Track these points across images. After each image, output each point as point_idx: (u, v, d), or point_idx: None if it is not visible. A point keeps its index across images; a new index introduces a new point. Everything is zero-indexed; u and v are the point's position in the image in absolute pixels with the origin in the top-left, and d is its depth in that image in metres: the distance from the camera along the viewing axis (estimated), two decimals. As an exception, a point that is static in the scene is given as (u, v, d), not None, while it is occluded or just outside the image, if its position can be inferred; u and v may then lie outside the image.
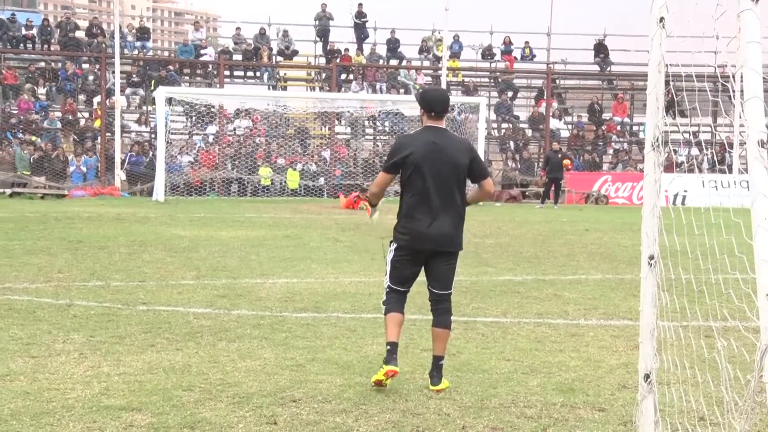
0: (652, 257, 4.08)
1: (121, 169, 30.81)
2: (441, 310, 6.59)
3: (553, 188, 29.19)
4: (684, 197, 27.96)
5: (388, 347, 6.40)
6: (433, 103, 6.59)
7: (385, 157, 6.79)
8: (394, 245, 6.59)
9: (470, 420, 5.65)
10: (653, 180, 4.10)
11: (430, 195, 6.41)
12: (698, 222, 4.37)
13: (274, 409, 5.79)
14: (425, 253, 6.49)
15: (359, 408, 5.86)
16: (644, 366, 4.11)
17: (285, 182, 31.64)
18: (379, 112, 34.58)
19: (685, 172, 30.44)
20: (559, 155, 29.41)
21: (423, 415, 5.73)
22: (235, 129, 34.42)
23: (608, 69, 39.49)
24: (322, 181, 32.07)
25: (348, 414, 5.73)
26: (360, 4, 38.39)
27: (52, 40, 35.66)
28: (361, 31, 38.33)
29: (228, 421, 5.52)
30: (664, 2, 3.98)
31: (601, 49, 38.91)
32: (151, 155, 31.00)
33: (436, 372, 6.44)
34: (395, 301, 6.61)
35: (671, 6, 4.08)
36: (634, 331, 8.57)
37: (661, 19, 4.00)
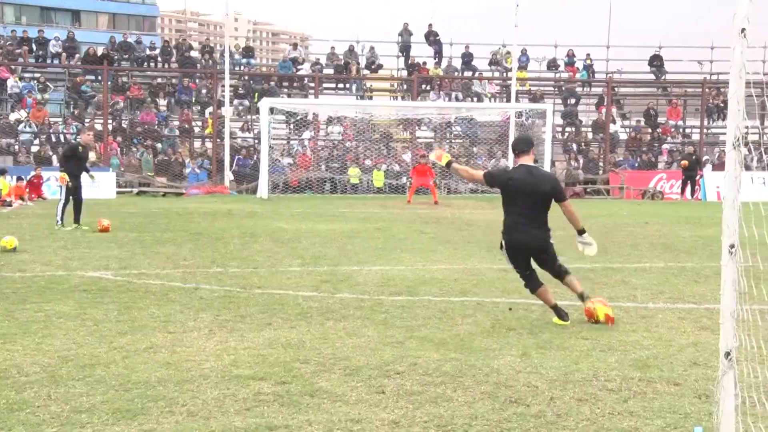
0: (732, 246, 3.98)
1: (230, 170, 31.36)
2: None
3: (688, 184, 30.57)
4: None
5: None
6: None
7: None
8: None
9: (557, 392, 5.59)
10: (734, 176, 4.00)
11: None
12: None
13: (381, 381, 5.82)
14: None
15: (456, 380, 5.85)
16: (725, 345, 4.01)
17: (371, 181, 31.79)
18: (455, 118, 34.48)
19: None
20: (694, 157, 30.82)
21: (514, 387, 5.69)
22: (327, 134, 34.71)
23: (663, 77, 38.65)
24: (404, 179, 32.10)
25: (447, 385, 5.73)
26: (430, 24, 38.41)
27: (171, 59, 36.47)
28: (436, 46, 38.24)
29: (342, 390, 5.57)
30: (745, 14, 3.87)
31: (656, 60, 38.11)
32: (255, 158, 31.45)
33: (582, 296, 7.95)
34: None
35: (751, 17, 3.97)
36: (699, 313, 8.39)
37: (743, 30, 3.89)
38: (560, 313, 7.82)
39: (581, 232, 7.98)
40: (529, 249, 7.89)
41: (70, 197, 16.19)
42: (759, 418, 4.73)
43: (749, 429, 4.34)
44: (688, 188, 30.61)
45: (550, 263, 7.99)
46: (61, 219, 16.16)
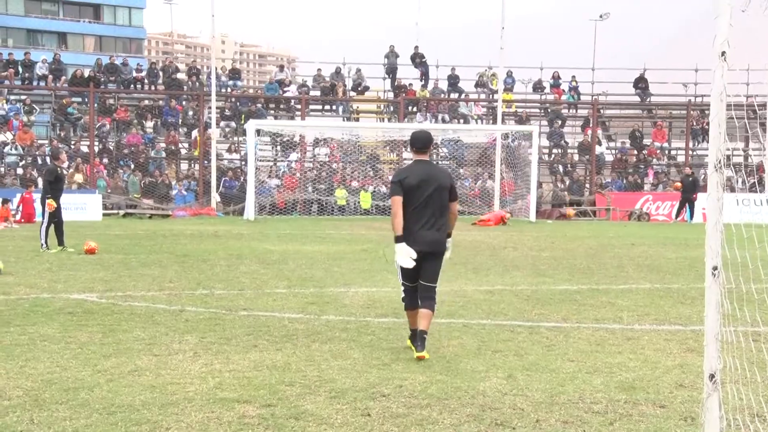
0: (715, 268, 4.00)
1: (217, 192, 31.32)
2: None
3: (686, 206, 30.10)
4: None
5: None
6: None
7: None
8: None
9: (543, 414, 5.58)
10: (716, 198, 4.04)
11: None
12: (760, 237, 4.28)
13: (367, 403, 5.80)
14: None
15: (442, 403, 5.84)
16: (709, 367, 4.03)
17: (358, 203, 31.81)
18: (441, 139, 34.63)
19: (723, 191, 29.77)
20: (691, 179, 30.28)
21: (500, 410, 5.68)
22: (314, 156, 34.77)
23: (648, 99, 38.98)
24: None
25: (432, 408, 5.71)
26: (416, 47, 38.67)
27: (158, 81, 36.51)
28: (422, 68, 38.45)
29: (327, 413, 5.54)
30: (725, 38, 3.93)
31: (641, 82, 38.44)
32: (242, 180, 31.44)
33: (421, 342, 7.25)
34: None
35: (730, 41, 4.02)
36: (685, 335, 8.41)
37: (723, 53, 3.94)
38: (417, 343, 7.27)
39: (448, 235, 7.65)
40: (426, 251, 7.39)
41: (52, 220, 16.18)
42: (744, 440, 4.74)
43: (734, 450, 4.34)
44: (687, 211, 30.22)
45: (432, 272, 7.45)
46: (46, 242, 16.09)
